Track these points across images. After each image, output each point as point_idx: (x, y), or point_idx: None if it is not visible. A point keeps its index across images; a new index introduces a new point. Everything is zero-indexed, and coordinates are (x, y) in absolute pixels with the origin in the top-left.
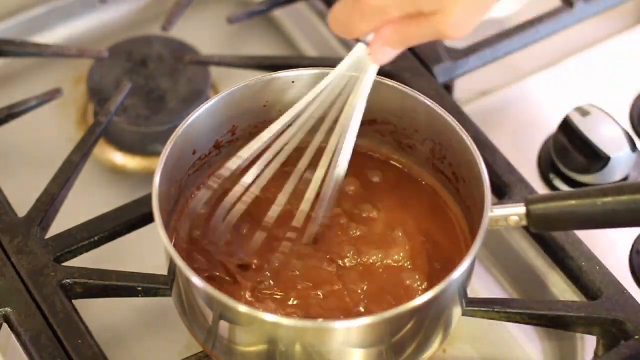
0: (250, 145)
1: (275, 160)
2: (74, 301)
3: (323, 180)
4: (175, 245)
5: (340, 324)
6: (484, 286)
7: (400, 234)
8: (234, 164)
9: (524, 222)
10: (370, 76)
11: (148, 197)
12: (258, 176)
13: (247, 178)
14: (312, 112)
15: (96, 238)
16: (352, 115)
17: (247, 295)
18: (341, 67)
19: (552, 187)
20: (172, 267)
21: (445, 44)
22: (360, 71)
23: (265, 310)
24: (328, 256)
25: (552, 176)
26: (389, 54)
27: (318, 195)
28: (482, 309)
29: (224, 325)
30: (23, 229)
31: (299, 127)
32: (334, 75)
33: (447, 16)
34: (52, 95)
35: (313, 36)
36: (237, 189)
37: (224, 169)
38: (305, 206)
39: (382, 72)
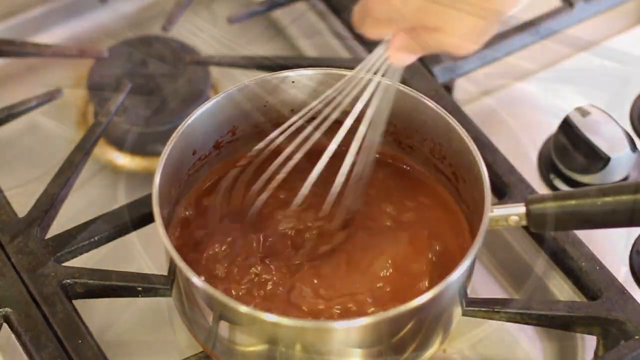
0: (266, 140)
1: (293, 159)
2: (74, 301)
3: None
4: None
5: (340, 324)
6: (484, 286)
7: (400, 234)
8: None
9: (524, 222)
10: (392, 74)
11: (148, 197)
12: (274, 173)
13: (265, 175)
14: (332, 110)
15: (96, 238)
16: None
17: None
18: (362, 66)
19: (552, 187)
20: (172, 267)
21: None
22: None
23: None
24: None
25: (552, 176)
26: (405, 58)
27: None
28: (482, 309)
29: (224, 325)
30: (23, 229)
31: (315, 126)
32: (354, 73)
33: (449, 35)
34: (52, 95)
35: (313, 36)
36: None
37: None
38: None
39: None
